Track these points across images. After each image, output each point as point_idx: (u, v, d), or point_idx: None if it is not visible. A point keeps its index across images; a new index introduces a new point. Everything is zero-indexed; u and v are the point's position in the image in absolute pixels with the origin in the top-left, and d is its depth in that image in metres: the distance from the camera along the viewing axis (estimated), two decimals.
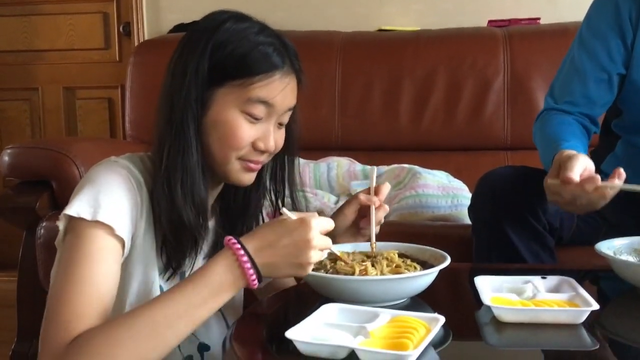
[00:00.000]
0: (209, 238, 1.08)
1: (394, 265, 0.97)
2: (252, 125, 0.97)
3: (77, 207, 0.89)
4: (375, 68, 2.30)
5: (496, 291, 0.95)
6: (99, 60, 3.15)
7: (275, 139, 1.00)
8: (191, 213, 0.96)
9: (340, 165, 2.05)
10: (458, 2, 2.67)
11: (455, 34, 2.34)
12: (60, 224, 0.92)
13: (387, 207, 1.09)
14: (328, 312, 0.84)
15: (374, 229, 1.06)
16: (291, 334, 0.76)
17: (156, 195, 0.96)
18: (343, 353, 0.74)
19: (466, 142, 2.25)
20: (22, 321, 1.83)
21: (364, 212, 1.10)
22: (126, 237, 0.92)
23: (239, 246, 0.86)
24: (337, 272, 0.95)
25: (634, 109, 1.43)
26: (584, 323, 0.85)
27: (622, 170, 1.12)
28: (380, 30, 2.59)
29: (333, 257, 0.99)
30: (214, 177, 1.02)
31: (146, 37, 2.95)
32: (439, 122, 2.25)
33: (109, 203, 0.90)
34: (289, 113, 1.03)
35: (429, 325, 0.79)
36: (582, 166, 1.11)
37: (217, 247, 1.07)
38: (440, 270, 0.96)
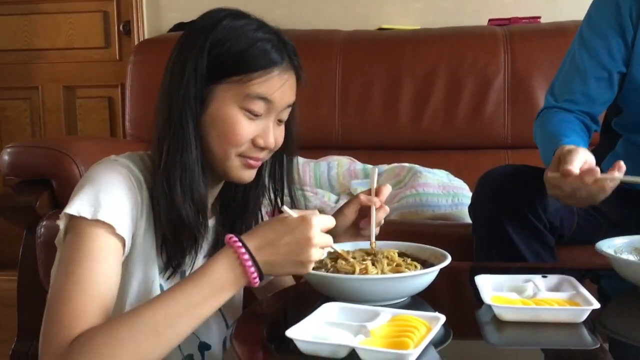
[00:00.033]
0: (210, 237, 1.08)
1: (395, 264, 0.97)
2: (252, 121, 0.97)
3: (78, 206, 0.89)
4: (375, 67, 2.30)
5: (497, 290, 0.94)
6: (99, 59, 3.15)
7: (275, 136, 1.00)
8: (190, 211, 0.96)
9: (341, 164, 2.05)
10: (458, 1, 2.66)
11: (455, 33, 2.34)
12: (61, 223, 0.92)
13: (387, 208, 1.09)
14: (328, 311, 0.84)
15: (374, 230, 1.06)
16: (292, 333, 0.75)
17: (155, 194, 0.96)
18: (343, 352, 0.73)
19: (466, 141, 2.25)
20: (22, 320, 1.83)
21: (364, 213, 1.09)
22: (127, 236, 0.92)
23: (240, 244, 0.86)
24: (338, 271, 0.95)
25: (635, 107, 1.43)
26: (584, 322, 0.85)
27: (622, 163, 1.11)
28: (381, 29, 2.59)
29: (334, 256, 0.99)
30: (214, 175, 1.02)
31: (146, 36, 2.95)
32: (440, 121, 2.25)
33: (110, 202, 0.90)
34: (289, 110, 1.03)
35: (430, 324, 0.79)
36: (582, 159, 1.11)
37: (217, 246, 1.07)
38: (441, 269, 0.96)
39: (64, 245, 0.91)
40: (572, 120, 1.39)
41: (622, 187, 1.42)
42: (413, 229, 1.64)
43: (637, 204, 1.42)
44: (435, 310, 0.85)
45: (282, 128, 1.03)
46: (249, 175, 1.02)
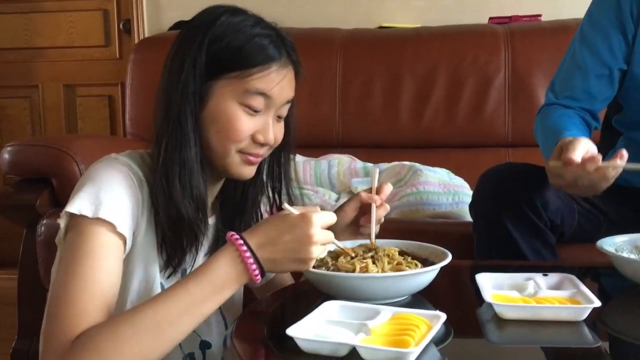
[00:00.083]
0: (210, 235, 1.08)
1: (395, 262, 0.97)
2: (251, 117, 0.97)
3: (79, 205, 0.89)
4: (375, 65, 2.30)
5: (497, 288, 0.94)
6: (99, 58, 3.15)
7: (274, 132, 1.00)
8: (190, 207, 0.96)
9: (341, 163, 2.05)
10: None
11: (456, 31, 2.34)
12: (62, 222, 0.92)
13: (387, 206, 1.09)
14: (329, 310, 0.84)
15: (374, 227, 1.06)
16: (292, 331, 0.75)
17: (154, 191, 0.96)
18: (344, 350, 0.73)
19: (467, 140, 2.25)
20: (23, 319, 1.83)
21: (364, 210, 1.09)
22: (127, 234, 0.92)
23: (241, 242, 0.86)
24: (338, 270, 0.94)
25: (635, 104, 1.43)
26: (585, 320, 0.85)
27: (624, 151, 1.11)
28: (381, 27, 2.59)
29: (334, 255, 0.99)
30: (213, 172, 1.02)
31: (146, 35, 2.95)
32: (440, 119, 2.25)
33: (110, 200, 0.90)
34: (288, 105, 1.03)
35: (431, 322, 0.79)
36: (584, 148, 1.11)
37: (218, 244, 1.07)
38: (442, 268, 0.96)
39: (65, 244, 0.91)
40: (573, 115, 1.39)
41: (622, 185, 1.42)
42: (413, 228, 1.64)
43: (637, 201, 1.42)
44: (436, 309, 0.84)
45: (281, 124, 1.03)
46: (249, 171, 1.02)
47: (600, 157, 1.09)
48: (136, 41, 2.86)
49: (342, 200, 1.70)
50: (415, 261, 0.99)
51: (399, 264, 0.97)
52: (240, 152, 0.99)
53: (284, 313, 0.98)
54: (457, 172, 1.97)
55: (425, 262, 1.00)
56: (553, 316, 0.86)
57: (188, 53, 0.96)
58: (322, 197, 1.90)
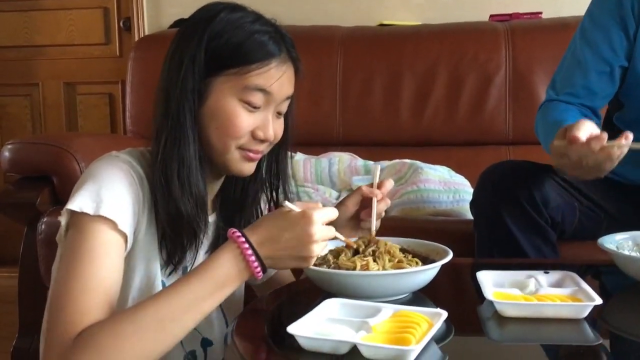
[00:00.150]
0: (210, 232, 1.08)
1: (396, 260, 0.97)
2: (251, 114, 0.97)
3: (80, 202, 0.89)
4: (376, 63, 2.30)
5: (498, 286, 0.94)
6: (100, 56, 3.15)
7: (274, 128, 1.00)
8: (189, 205, 0.96)
9: (342, 161, 2.05)
10: None
11: (456, 29, 2.34)
12: (63, 219, 0.92)
13: (388, 201, 1.09)
14: (330, 307, 0.84)
15: (375, 221, 1.05)
16: (293, 329, 0.75)
17: (153, 188, 0.96)
18: (345, 348, 0.73)
19: (468, 137, 2.24)
20: (23, 317, 1.83)
21: (365, 205, 1.09)
22: (129, 231, 0.92)
23: (243, 239, 0.86)
24: (339, 267, 0.94)
25: (636, 102, 1.42)
26: (586, 318, 0.85)
27: (629, 133, 1.10)
28: (381, 24, 2.58)
29: (335, 253, 0.99)
30: (213, 170, 1.02)
31: (146, 32, 2.95)
32: (441, 117, 2.25)
33: (111, 198, 0.90)
34: (287, 102, 1.03)
35: (432, 320, 0.79)
36: (588, 129, 1.10)
37: (218, 242, 1.07)
38: (443, 265, 0.96)
39: (67, 242, 0.91)
40: (574, 109, 1.39)
41: (622, 182, 1.42)
42: (414, 225, 1.64)
43: (638, 199, 1.42)
44: (436, 306, 0.84)
45: (281, 121, 1.03)
46: (249, 168, 1.02)
47: (605, 136, 1.08)
48: (136, 39, 2.86)
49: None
50: (416, 259, 0.99)
51: (399, 261, 0.97)
52: (240, 148, 0.99)
53: (284, 311, 0.98)
54: (458, 169, 1.97)
55: (426, 260, 1.00)
56: (554, 314, 0.86)
57: (187, 50, 0.96)
58: (322, 195, 1.90)
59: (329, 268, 0.95)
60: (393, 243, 1.04)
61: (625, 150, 1.10)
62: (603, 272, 1.19)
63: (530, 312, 0.86)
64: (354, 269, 0.93)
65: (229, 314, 1.12)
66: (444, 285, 1.08)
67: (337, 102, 2.29)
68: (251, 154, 0.99)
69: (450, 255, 0.98)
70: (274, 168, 1.10)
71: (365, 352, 0.72)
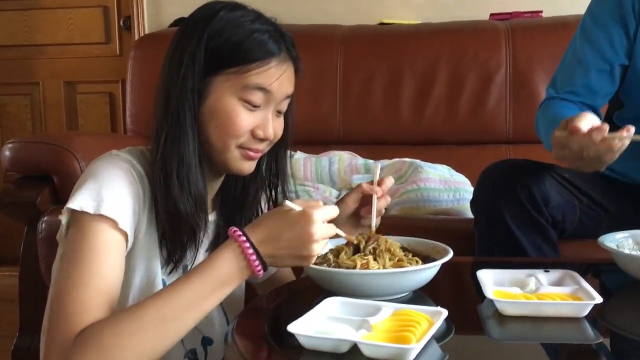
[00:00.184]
0: (210, 231, 1.08)
1: (397, 259, 0.97)
2: (251, 112, 0.97)
3: (80, 201, 0.89)
4: (376, 62, 2.29)
5: (499, 285, 0.94)
6: (100, 55, 3.15)
7: (274, 127, 1.00)
8: (188, 203, 0.96)
9: (342, 160, 2.05)
10: None
11: (456, 28, 2.33)
12: (63, 218, 0.92)
13: (388, 198, 1.09)
14: (330, 306, 0.84)
15: (375, 218, 1.06)
16: (293, 327, 0.75)
17: (152, 187, 0.96)
18: (345, 347, 0.73)
19: (468, 136, 2.24)
20: (24, 316, 1.83)
21: (365, 202, 1.09)
22: (129, 230, 0.92)
23: (244, 238, 0.87)
24: (339, 266, 0.94)
25: (637, 100, 1.42)
26: (586, 316, 0.85)
27: (630, 126, 1.10)
28: (382, 23, 2.58)
29: (336, 252, 0.99)
30: (213, 168, 1.02)
31: (147, 31, 2.94)
32: (441, 115, 2.25)
33: (112, 196, 0.90)
34: (287, 101, 1.03)
35: (432, 318, 0.79)
36: (590, 120, 1.10)
37: (219, 240, 1.07)
38: (443, 264, 0.96)
39: (67, 241, 0.91)
40: (574, 107, 1.39)
41: (622, 180, 1.42)
42: (414, 224, 1.63)
43: (638, 197, 1.42)
44: (437, 305, 0.84)
45: (281, 120, 1.03)
46: (248, 166, 1.02)
47: (606, 127, 1.08)
48: (136, 38, 2.86)
49: None
50: (416, 258, 0.99)
51: (400, 260, 0.97)
52: (240, 147, 0.99)
53: (285, 310, 0.98)
54: (458, 168, 1.97)
55: (426, 259, 1.00)
56: (554, 312, 0.86)
57: (187, 48, 0.96)
58: (322, 194, 1.90)
59: (329, 267, 0.95)
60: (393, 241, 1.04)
61: (627, 142, 1.10)
62: (603, 271, 1.19)
63: (530, 311, 0.86)
64: (354, 267, 0.93)
65: (230, 313, 1.12)
66: (444, 284, 1.08)
67: (337, 100, 2.29)
68: (251, 153, 0.99)
69: (451, 254, 0.98)
70: (273, 167, 1.10)
71: (365, 350, 0.72)
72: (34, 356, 1.09)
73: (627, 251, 1.04)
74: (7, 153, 1.82)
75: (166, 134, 0.95)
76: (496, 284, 0.95)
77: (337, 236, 0.95)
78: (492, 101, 2.22)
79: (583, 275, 0.96)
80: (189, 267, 1.04)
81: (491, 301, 0.87)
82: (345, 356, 0.73)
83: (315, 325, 0.78)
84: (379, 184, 1.07)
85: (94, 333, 0.81)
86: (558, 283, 0.96)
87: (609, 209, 1.41)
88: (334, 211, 0.90)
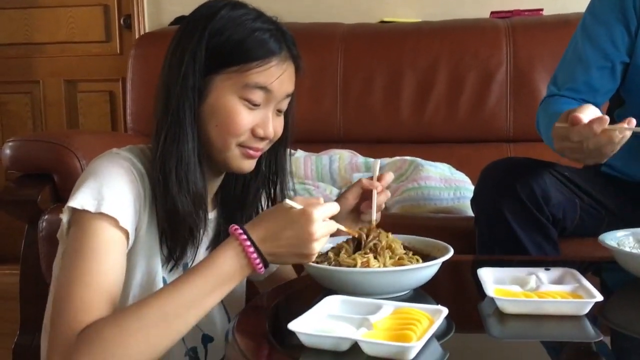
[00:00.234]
0: (211, 229, 1.08)
1: (397, 257, 0.97)
2: (251, 111, 0.97)
3: (81, 200, 0.89)
4: (377, 60, 2.29)
5: (499, 283, 0.94)
6: (100, 53, 3.15)
7: (274, 126, 1.00)
8: (186, 202, 0.96)
9: (342, 158, 2.05)
10: None
11: (457, 26, 2.33)
12: (64, 217, 0.92)
13: (388, 193, 1.09)
14: (331, 304, 0.84)
15: (375, 213, 1.06)
16: (294, 325, 0.75)
17: (152, 185, 0.96)
18: (346, 345, 0.73)
19: (468, 134, 2.24)
20: (25, 314, 1.84)
21: (366, 197, 1.09)
22: (130, 228, 0.92)
23: (245, 236, 0.87)
24: (340, 264, 0.94)
25: (638, 98, 1.42)
26: (587, 314, 0.85)
27: (632, 118, 1.09)
28: (382, 21, 2.58)
29: (336, 250, 0.99)
30: (213, 167, 1.03)
31: (147, 30, 2.94)
32: (441, 114, 2.25)
33: (113, 195, 0.90)
34: (288, 100, 1.03)
35: (432, 317, 0.79)
36: (591, 112, 1.10)
37: (219, 238, 1.07)
38: (443, 262, 0.96)
39: (68, 239, 0.91)
40: (575, 104, 1.39)
41: (622, 178, 1.42)
42: (415, 222, 1.63)
43: (638, 195, 1.42)
44: (437, 303, 0.84)
45: (281, 118, 1.03)
46: (249, 165, 1.02)
47: (607, 119, 1.07)
48: (137, 36, 2.86)
49: None
50: (417, 256, 0.99)
51: (400, 258, 0.97)
52: (240, 146, 0.99)
53: (285, 308, 0.99)
54: (459, 167, 1.97)
55: (427, 257, 1.00)
56: (555, 311, 0.86)
57: (188, 47, 0.96)
58: (323, 192, 1.90)
59: (329, 265, 0.95)
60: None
61: (628, 134, 1.09)
62: (604, 269, 1.19)
63: (531, 309, 0.86)
64: (355, 266, 0.93)
65: (231, 310, 1.12)
66: (444, 282, 1.08)
67: (337, 99, 2.29)
68: (251, 152, 0.99)
69: (451, 252, 0.98)
70: (273, 165, 1.10)
71: (366, 348, 0.72)
72: (35, 354, 1.10)
73: (627, 249, 1.04)
74: (7, 151, 1.82)
75: (166, 132, 0.95)
76: (497, 282, 0.95)
77: (338, 231, 0.95)
78: (492, 99, 2.22)
79: (583, 273, 0.96)
80: (189, 265, 1.04)
81: (492, 299, 0.87)
82: (346, 354, 0.73)
83: (315, 323, 0.78)
84: (379, 179, 1.08)
85: (96, 331, 0.81)
86: (558, 281, 0.96)
87: (609, 207, 1.41)
88: (334, 208, 0.91)
